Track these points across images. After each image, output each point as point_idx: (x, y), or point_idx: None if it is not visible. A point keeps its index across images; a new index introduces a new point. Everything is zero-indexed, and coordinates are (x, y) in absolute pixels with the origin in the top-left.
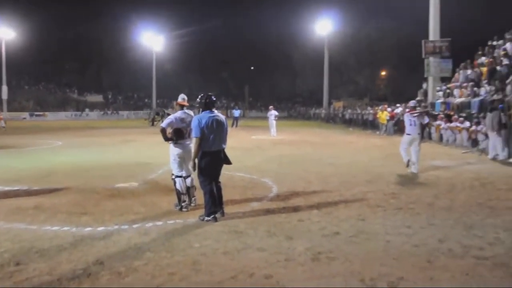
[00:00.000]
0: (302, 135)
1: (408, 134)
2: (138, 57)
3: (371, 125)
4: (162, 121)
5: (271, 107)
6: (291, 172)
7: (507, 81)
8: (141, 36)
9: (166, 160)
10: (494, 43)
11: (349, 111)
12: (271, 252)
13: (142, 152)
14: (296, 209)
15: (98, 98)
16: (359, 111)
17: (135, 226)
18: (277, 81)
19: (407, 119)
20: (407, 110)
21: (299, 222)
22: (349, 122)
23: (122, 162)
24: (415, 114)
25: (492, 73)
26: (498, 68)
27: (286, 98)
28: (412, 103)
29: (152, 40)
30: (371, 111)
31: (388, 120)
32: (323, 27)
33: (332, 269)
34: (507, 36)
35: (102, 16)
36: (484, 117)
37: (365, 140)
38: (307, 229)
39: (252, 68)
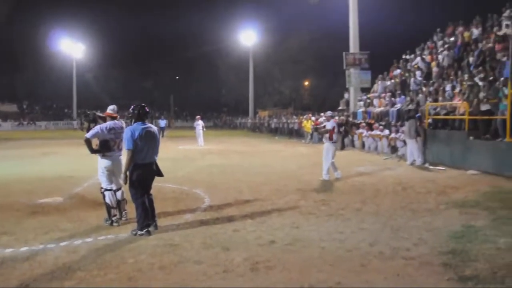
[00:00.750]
0: (230, 144)
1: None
2: (57, 65)
3: (297, 133)
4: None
5: (198, 117)
6: (222, 182)
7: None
8: (60, 43)
9: (92, 172)
10: (407, 57)
11: (275, 120)
12: (209, 264)
13: (66, 164)
14: (230, 219)
15: (12, 107)
16: (284, 120)
17: (62, 244)
18: (203, 90)
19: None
20: (318, 121)
21: (235, 232)
22: (275, 131)
23: (44, 176)
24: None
25: (404, 85)
26: (412, 79)
27: (212, 108)
28: (329, 113)
29: (72, 47)
30: (296, 120)
31: (314, 127)
32: (248, 38)
33: (272, 278)
34: (418, 51)
35: (16, 21)
36: (402, 125)
37: (292, 149)
38: (243, 239)
39: (177, 77)
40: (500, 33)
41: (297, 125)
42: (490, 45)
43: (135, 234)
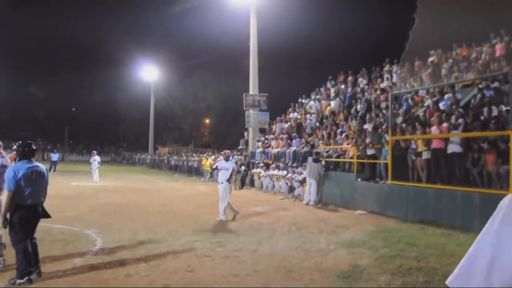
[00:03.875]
0: (127, 181)
1: (219, 183)
2: None
3: (196, 171)
4: None
5: (94, 151)
6: (116, 222)
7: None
8: None
9: None
10: (303, 100)
11: (175, 157)
12: None
13: None
14: (122, 263)
15: None
16: (184, 157)
17: None
18: (101, 123)
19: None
20: (219, 159)
21: (126, 278)
22: (175, 168)
23: None
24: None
25: (300, 127)
26: (307, 123)
27: (111, 142)
28: (227, 152)
29: None
30: (196, 158)
31: (212, 167)
32: (150, 73)
33: None
34: (313, 96)
35: None
36: (297, 166)
37: (191, 187)
38: (135, 285)
39: (73, 109)
40: (382, 85)
41: (196, 163)
42: (375, 95)
43: (14, 283)
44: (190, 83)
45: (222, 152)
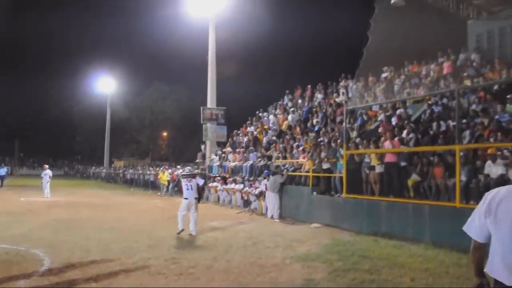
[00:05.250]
0: (81, 196)
1: (186, 199)
2: None
3: (153, 185)
4: None
5: (45, 165)
6: (67, 240)
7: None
8: None
9: None
10: (261, 114)
11: (131, 170)
12: None
13: None
14: (71, 283)
15: None
16: (140, 171)
17: None
18: (55, 136)
19: (184, 184)
20: (182, 175)
21: None
22: (131, 182)
23: None
24: (189, 178)
25: (257, 141)
26: (264, 136)
27: (64, 155)
28: (187, 169)
29: None
30: (153, 172)
31: (169, 181)
32: (106, 85)
33: None
34: (270, 110)
35: None
36: (254, 180)
37: (147, 201)
38: None
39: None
40: (338, 99)
41: (153, 176)
42: (330, 109)
43: None
44: (148, 96)
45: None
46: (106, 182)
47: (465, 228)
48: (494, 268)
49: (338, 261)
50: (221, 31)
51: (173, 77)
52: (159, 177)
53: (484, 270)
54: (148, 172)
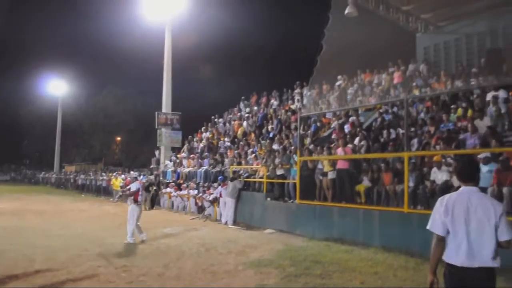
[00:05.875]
0: (28, 202)
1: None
2: None
3: (105, 191)
4: None
5: None
6: (10, 249)
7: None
8: None
9: None
10: (216, 120)
11: (82, 176)
12: None
13: None
14: None
15: None
16: (92, 176)
17: None
18: (0, 139)
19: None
20: (128, 180)
21: None
22: (82, 188)
23: None
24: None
25: (212, 147)
26: (219, 142)
27: (11, 159)
28: (133, 174)
29: None
30: (105, 177)
31: (121, 187)
32: (57, 87)
33: None
34: (226, 115)
35: None
36: (208, 187)
37: (98, 208)
38: None
39: None
40: (293, 106)
41: (105, 182)
42: (285, 116)
43: None
44: (102, 99)
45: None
46: (56, 187)
47: (429, 227)
48: (449, 255)
49: (290, 267)
50: (177, 35)
51: (128, 80)
52: (112, 182)
53: (443, 258)
54: (101, 178)
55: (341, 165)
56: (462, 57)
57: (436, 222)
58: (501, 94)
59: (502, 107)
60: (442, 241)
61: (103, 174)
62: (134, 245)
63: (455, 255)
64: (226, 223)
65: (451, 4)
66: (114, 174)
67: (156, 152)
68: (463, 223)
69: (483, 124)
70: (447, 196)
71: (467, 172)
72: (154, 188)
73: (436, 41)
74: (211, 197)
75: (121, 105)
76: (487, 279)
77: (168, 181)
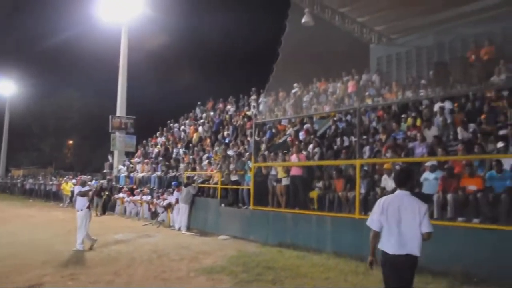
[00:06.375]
0: None
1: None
2: None
3: (55, 196)
4: None
5: None
6: None
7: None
8: None
9: None
10: (171, 125)
11: (30, 180)
12: None
13: None
14: None
15: None
16: (41, 181)
17: None
18: None
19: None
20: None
21: None
22: (30, 193)
23: None
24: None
25: (167, 152)
26: (174, 147)
27: None
28: (83, 177)
29: None
30: (55, 182)
31: (72, 192)
32: (5, 88)
33: None
34: (181, 120)
35: None
36: (162, 192)
37: (47, 214)
38: None
39: None
40: (249, 113)
41: (55, 187)
42: (241, 122)
43: None
44: (54, 101)
45: (78, 178)
46: (2, 192)
47: (368, 223)
48: (384, 244)
49: (242, 273)
50: (134, 38)
51: (82, 83)
52: (62, 187)
53: (378, 246)
54: (50, 182)
55: (295, 171)
56: (412, 68)
57: (373, 219)
58: (447, 105)
59: (448, 118)
60: (377, 235)
61: (53, 178)
62: (83, 253)
63: (389, 244)
64: (179, 229)
65: (402, 18)
66: (65, 178)
67: (110, 157)
68: (395, 220)
69: (430, 133)
70: (384, 198)
71: (400, 179)
72: (106, 193)
73: (389, 52)
74: (165, 203)
75: (74, 108)
76: (411, 264)
77: (120, 186)
